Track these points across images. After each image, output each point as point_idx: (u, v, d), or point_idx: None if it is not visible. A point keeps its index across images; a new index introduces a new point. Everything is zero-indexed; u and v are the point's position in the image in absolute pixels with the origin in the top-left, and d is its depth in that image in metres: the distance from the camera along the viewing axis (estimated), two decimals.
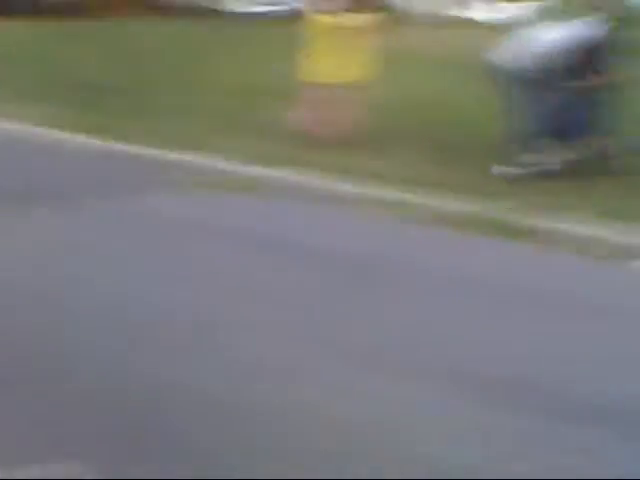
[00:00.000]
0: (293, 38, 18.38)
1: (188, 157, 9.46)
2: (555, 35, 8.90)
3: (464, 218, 7.48)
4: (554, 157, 8.98)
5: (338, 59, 10.06)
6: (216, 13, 42.31)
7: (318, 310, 5.30)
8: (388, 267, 6.22)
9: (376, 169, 8.72)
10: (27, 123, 11.11)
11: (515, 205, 7.70)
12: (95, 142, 10.24)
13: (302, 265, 6.17)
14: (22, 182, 8.29)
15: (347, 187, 8.38)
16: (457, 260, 6.46)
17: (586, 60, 8.85)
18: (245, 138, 10.27)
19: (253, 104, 12.39)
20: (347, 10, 10.29)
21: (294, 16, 31.20)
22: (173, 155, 9.57)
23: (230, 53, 17.02)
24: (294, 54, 15.48)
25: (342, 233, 7.18)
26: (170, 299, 5.34)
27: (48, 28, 22.55)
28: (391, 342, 4.80)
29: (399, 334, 4.93)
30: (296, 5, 34.51)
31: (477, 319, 5.26)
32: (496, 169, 8.79)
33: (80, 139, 10.39)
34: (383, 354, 4.65)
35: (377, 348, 4.71)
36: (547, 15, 9.35)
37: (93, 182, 8.59)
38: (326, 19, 10.13)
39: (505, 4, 21.86)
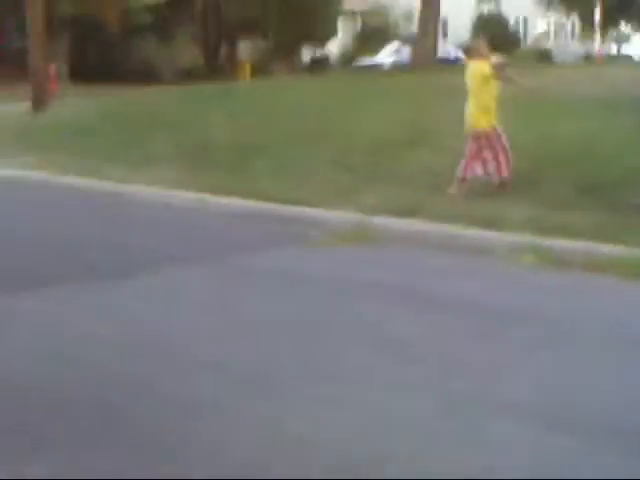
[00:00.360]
0: (414, 88, 18.24)
1: (327, 212, 9.34)
2: None
3: (603, 261, 7.21)
4: None
5: (494, 104, 9.97)
6: (335, 66, 43.15)
7: (461, 361, 5.08)
8: (529, 316, 5.96)
9: (516, 216, 8.55)
10: (158, 186, 11.18)
11: None
12: (225, 201, 10.27)
13: (438, 315, 5.98)
14: (157, 243, 8.45)
15: (492, 236, 8.11)
16: (600, 307, 6.27)
17: None
18: (386, 190, 10.13)
19: (389, 154, 12.25)
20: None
21: (406, 66, 31.70)
22: (308, 210, 9.45)
23: (361, 105, 16.96)
24: (420, 103, 15.30)
25: (492, 283, 6.96)
26: (299, 351, 5.22)
27: (177, 92, 23.06)
28: (539, 396, 4.50)
29: (542, 387, 4.64)
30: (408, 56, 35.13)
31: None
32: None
33: (209, 199, 10.43)
34: (533, 408, 4.36)
35: (527, 401, 4.43)
36: None
37: (229, 240, 8.68)
38: (484, 65, 9.87)
39: None
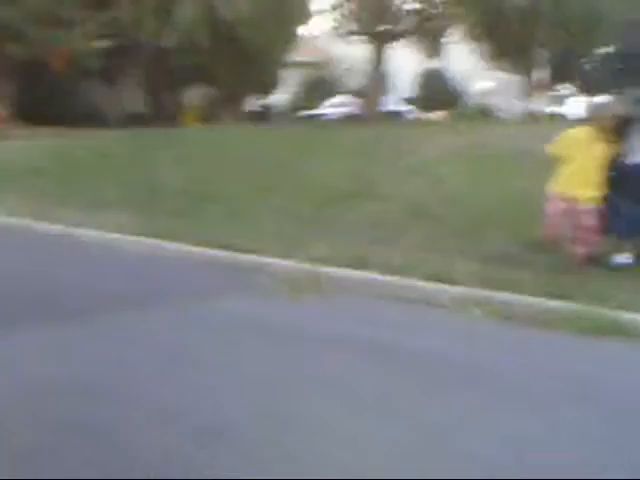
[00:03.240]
0: (359, 139, 18.37)
1: (278, 260, 9.37)
2: None
3: (551, 316, 7.34)
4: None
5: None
6: (279, 115, 43.48)
7: (416, 417, 5.07)
8: (485, 370, 6.04)
9: (463, 269, 8.56)
10: (110, 229, 11.21)
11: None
12: (177, 247, 10.30)
13: (397, 368, 6.03)
14: (113, 286, 8.43)
15: (442, 288, 8.17)
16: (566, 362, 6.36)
17: None
18: (336, 240, 10.21)
19: (339, 205, 12.40)
20: None
21: (352, 118, 32.03)
22: (259, 259, 9.50)
23: (308, 155, 17.14)
24: (364, 156, 15.39)
25: (446, 337, 7.02)
26: (247, 404, 5.19)
27: (126, 136, 23.05)
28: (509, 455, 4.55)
29: (500, 440, 4.72)
30: (354, 108, 35.63)
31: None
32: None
33: (161, 244, 10.46)
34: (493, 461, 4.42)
35: (490, 460, 4.47)
36: None
37: (183, 285, 8.69)
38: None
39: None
